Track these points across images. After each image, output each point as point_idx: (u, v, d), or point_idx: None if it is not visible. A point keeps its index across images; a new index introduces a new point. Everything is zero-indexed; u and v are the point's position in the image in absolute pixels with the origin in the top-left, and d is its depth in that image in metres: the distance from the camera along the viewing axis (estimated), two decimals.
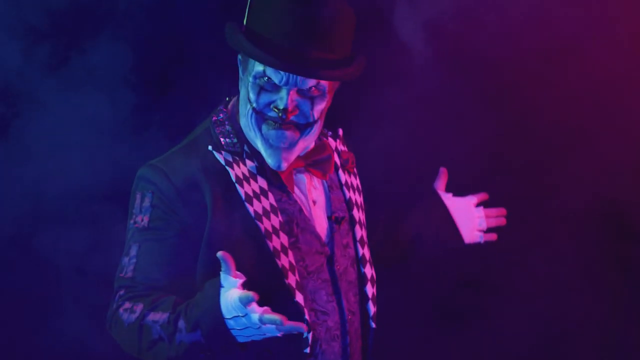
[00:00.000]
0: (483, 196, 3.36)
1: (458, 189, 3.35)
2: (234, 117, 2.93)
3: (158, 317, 2.71)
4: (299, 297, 2.81)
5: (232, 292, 2.62)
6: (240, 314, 2.61)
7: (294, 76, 2.76)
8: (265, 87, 2.80)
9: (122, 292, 2.79)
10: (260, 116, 2.82)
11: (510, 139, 4.29)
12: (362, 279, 3.00)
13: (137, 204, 2.85)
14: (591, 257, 4.35)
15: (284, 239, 2.83)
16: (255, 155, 2.88)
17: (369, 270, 3.00)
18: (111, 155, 4.07)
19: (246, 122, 2.85)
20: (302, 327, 2.62)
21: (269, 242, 2.80)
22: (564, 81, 4.21)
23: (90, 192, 4.05)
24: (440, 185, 3.33)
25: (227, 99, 3.00)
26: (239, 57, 2.88)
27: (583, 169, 4.27)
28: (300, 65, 2.72)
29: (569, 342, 4.41)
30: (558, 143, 4.29)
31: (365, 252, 3.00)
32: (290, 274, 2.81)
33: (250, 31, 2.81)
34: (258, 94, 2.81)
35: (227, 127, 2.91)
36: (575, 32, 4.15)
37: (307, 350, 2.82)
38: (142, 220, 2.82)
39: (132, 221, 2.85)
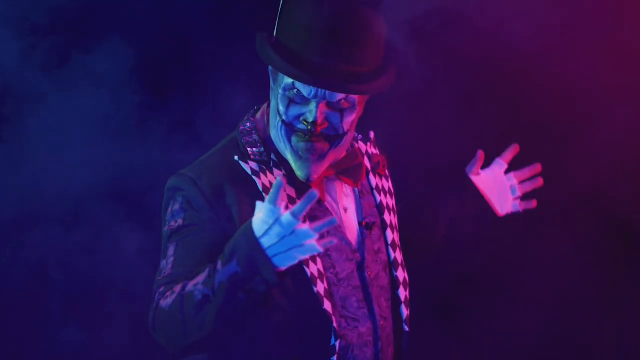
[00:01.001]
0: (511, 153, 3.28)
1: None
2: (262, 126, 2.92)
3: (198, 279, 2.67)
4: (327, 305, 2.79)
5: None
6: (271, 221, 2.58)
7: (323, 89, 2.75)
8: (295, 99, 2.79)
9: (161, 289, 2.75)
10: (289, 128, 2.80)
11: (509, 137, 4.29)
12: (394, 282, 2.98)
13: (170, 212, 2.84)
14: (591, 256, 4.35)
15: None
16: (283, 164, 2.87)
17: (401, 274, 2.99)
18: (111, 154, 4.07)
19: (276, 133, 2.84)
20: (334, 219, 2.59)
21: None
22: (563, 81, 4.21)
23: (90, 192, 4.05)
24: (474, 170, 3.26)
25: (255, 107, 2.99)
26: (270, 67, 2.86)
27: (583, 168, 4.27)
28: (329, 79, 2.71)
29: (568, 342, 4.41)
30: (558, 142, 4.29)
31: (397, 255, 2.99)
32: (318, 281, 2.80)
33: (279, 43, 2.79)
34: (287, 107, 2.80)
35: (254, 137, 2.89)
36: (569, 31, 4.15)
37: (334, 358, 2.80)
38: (176, 222, 2.81)
39: (166, 228, 2.84)
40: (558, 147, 4.29)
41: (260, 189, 2.81)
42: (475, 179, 3.25)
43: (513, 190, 3.28)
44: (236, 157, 2.85)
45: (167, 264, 2.78)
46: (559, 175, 4.30)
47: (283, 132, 2.81)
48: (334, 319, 2.80)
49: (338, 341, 2.80)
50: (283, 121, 2.80)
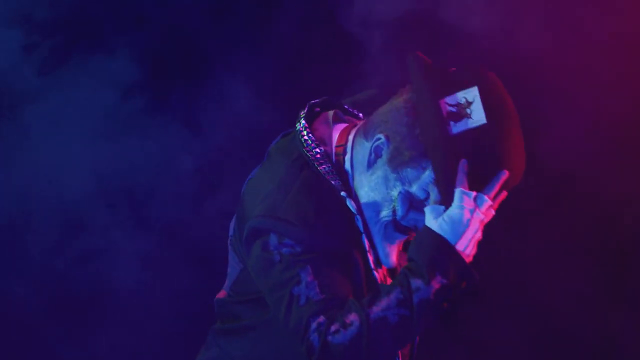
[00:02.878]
0: None
1: None
2: (334, 161, 2.64)
3: (384, 303, 2.48)
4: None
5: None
6: (470, 202, 2.47)
7: None
8: (418, 206, 2.59)
9: (320, 320, 2.47)
10: (396, 224, 2.63)
11: None
12: None
13: (274, 242, 2.52)
14: (591, 256, 4.35)
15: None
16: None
17: None
18: (111, 154, 4.08)
19: (376, 224, 2.63)
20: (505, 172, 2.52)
21: (369, 255, 2.62)
22: (562, 79, 4.21)
23: (89, 192, 4.05)
24: None
25: (299, 126, 2.66)
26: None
27: (583, 168, 4.27)
28: None
29: (568, 342, 4.41)
30: (558, 142, 4.29)
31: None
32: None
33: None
34: (407, 210, 2.60)
35: (326, 167, 2.61)
36: (543, 22, 4.15)
37: None
38: (292, 250, 2.52)
39: (276, 257, 2.53)
40: (558, 147, 4.29)
41: (361, 229, 2.62)
42: None
43: None
44: (343, 193, 2.58)
45: (308, 289, 2.50)
46: (559, 175, 4.30)
47: (390, 228, 2.63)
48: None
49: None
50: (394, 220, 2.62)
